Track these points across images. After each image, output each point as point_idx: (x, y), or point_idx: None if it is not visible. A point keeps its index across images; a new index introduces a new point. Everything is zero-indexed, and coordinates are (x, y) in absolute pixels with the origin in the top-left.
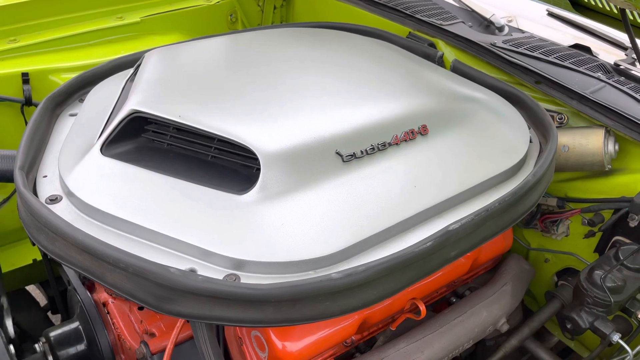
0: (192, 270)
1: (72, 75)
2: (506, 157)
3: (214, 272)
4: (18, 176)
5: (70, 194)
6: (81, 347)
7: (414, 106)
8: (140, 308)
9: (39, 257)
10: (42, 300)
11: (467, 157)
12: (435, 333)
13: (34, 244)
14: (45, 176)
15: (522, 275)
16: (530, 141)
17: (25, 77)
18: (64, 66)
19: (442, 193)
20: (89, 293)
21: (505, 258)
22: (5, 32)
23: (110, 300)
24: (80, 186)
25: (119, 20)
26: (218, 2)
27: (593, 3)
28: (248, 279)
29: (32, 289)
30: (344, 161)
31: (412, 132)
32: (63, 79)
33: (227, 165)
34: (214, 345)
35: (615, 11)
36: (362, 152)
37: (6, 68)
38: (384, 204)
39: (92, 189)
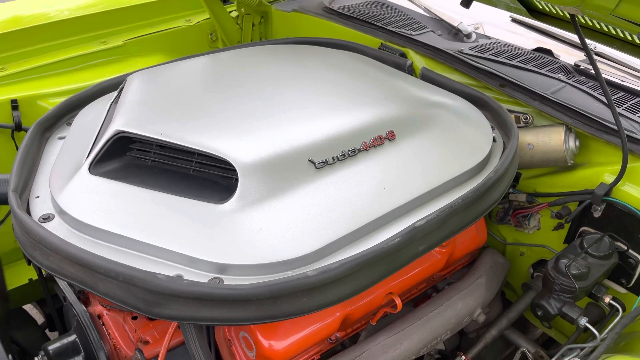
0: (179, 276)
1: (60, 100)
2: (470, 157)
3: (199, 277)
4: (12, 198)
5: (62, 212)
6: (79, 358)
7: (381, 114)
8: (134, 318)
9: (35, 277)
10: (39, 318)
11: (432, 159)
12: (413, 326)
13: (29, 263)
14: (38, 197)
15: (496, 268)
16: (495, 141)
17: (14, 104)
18: (51, 91)
19: (409, 193)
20: (84, 307)
21: (481, 252)
22: None
23: (105, 312)
24: (70, 204)
25: (103, 44)
26: (198, 22)
27: (547, 9)
28: (231, 281)
29: (29, 307)
30: (316, 168)
31: (380, 138)
32: (51, 104)
33: (208, 177)
34: (203, 347)
35: (568, 16)
36: (333, 158)
37: None
38: (355, 206)
39: (82, 206)
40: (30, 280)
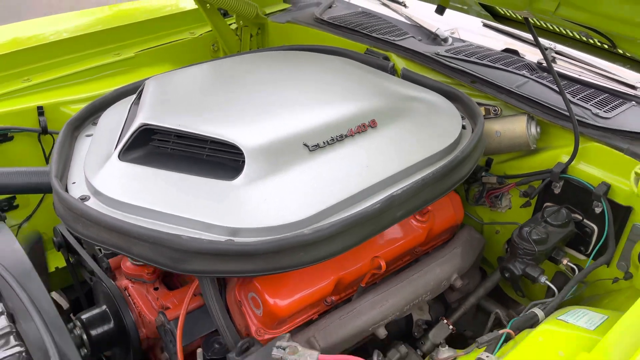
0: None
1: (80, 106)
2: (441, 140)
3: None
4: (55, 182)
5: (97, 193)
6: (109, 326)
7: (365, 106)
8: (156, 288)
9: (61, 264)
10: (64, 304)
11: (408, 142)
12: (397, 286)
13: (59, 249)
14: (74, 182)
15: (472, 242)
16: (464, 128)
17: (40, 110)
18: (72, 99)
19: (388, 170)
20: (112, 281)
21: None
22: (20, 73)
23: (130, 285)
24: (104, 186)
25: (116, 56)
26: (201, 34)
27: (508, 14)
28: (241, 241)
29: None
30: (310, 150)
31: (363, 125)
32: (73, 110)
33: (219, 160)
34: (219, 301)
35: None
36: (324, 142)
37: (23, 103)
38: (342, 181)
39: (113, 187)
40: (57, 268)
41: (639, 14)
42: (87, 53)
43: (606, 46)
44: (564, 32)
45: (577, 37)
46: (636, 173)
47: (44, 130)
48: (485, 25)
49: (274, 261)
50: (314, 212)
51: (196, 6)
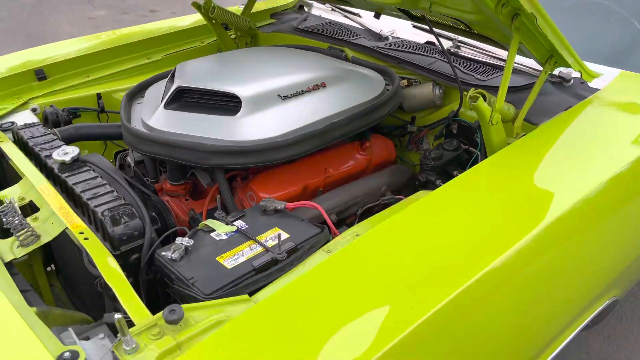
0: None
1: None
2: (369, 95)
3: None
4: (125, 122)
5: (151, 129)
6: (157, 225)
7: (318, 73)
8: (187, 199)
9: None
10: None
11: (346, 96)
12: (342, 188)
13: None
14: (134, 126)
15: (401, 169)
16: (388, 90)
17: (99, 96)
18: (119, 88)
19: (331, 110)
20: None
21: None
22: (83, 72)
23: (169, 198)
24: (156, 123)
25: (149, 59)
26: (209, 42)
27: (417, 15)
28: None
29: None
30: (282, 99)
31: (316, 85)
32: (120, 96)
33: (226, 106)
34: (229, 191)
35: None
36: (291, 95)
37: (88, 92)
38: (302, 116)
39: (161, 123)
40: None
41: (471, 9)
42: (128, 57)
43: (467, 29)
44: (445, 22)
45: (450, 24)
46: (468, 97)
47: (102, 110)
48: (414, 26)
49: (261, 156)
50: (283, 132)
51: (205, 22)
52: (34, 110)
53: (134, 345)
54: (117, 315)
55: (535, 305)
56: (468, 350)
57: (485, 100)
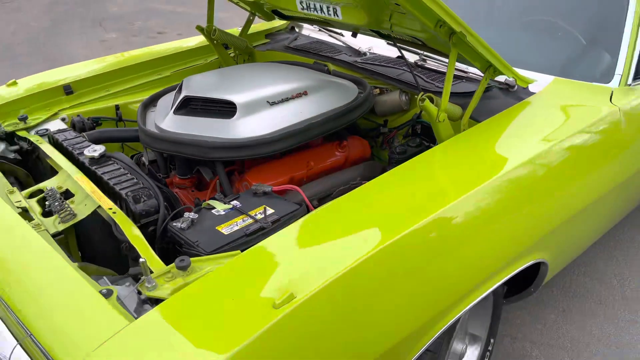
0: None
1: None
2: (344, 101)
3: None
4: (141, 125)
5: (162, 130)
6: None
7: (301, 83)
8: (193, 190)
9: None
10: None
11: (324, 101)
12: (322, 179)
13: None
14: (149, 129)
15: (374, 164)
16: (360, 97)
17: (117, 107)
18: (134, 100)
19: (312, 114)
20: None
21: None
22: (104, 87)
23: (178, 190)
24: (167, 126)
25: (159, 75)
26: (211, 60)
27: (385, 33)
28: None
29: None
30: (270, 105)
31: (299, 94)
32: (135, 107)
33: (224, 111)
34: (227, 180)
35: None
36: (278, 101)
37: (107, 103)
38: (287, 119)
39: (171, 126)
40: None
41: (420, 28)
42: (141, 74)
43: (423, 45)
44: (406, 39)
45: (410, 41)
46: (418, 100)
47: (120, 118)
48: (388, 44)
49: (252, 150)
50: (270, 130)
51: (208, 43)
52: (63, 119)
53: (153, 284)
54: (142, 259)
55: (456, 257)
56: (397, 287)
57: (432, 102)
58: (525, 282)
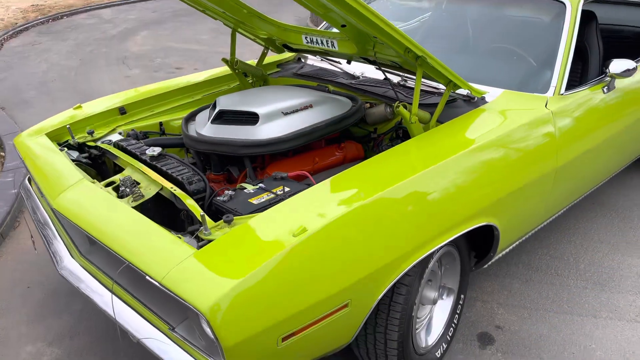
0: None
1: (178, 122)
2: (340, 111)
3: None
4: (185, 131)
5: (202, 136)
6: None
7: (306, 99)
8: (225, 184)
9: None
10: None
11: (325, 112)
12: (324, 173)
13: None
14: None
15: None
16: (352, 108)
17: (161, 124)
18: (173, 119)
19: (315, 121)
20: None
21: None
22: (149, 108)
23: (212, 184)
24: (206, 132)
25: (191, 98)
26: (233, 86)
27: (372, 59)
28: None
29: None
30: (284, 115)
31: (305, 106)
32: (175, 124)
33: (249, 120)
34: (252, 170)
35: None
36: (290, 112)
37: (153, 121)
38: (296, 124)
39: (209, 132)
40: None
41: (395, 54)
42: (178, 97)
43: (400, 67)
44: (388, 63)
45: (391, 64)
46: (395, 107)
47: (163, 133)
48: (377, 68)
49: (272, 147)
50: (284, 133)
51: (230, 72)
52: (120, 133)
53: (209, 232)
54: (202, 213)
55: (424, 210)
56: (380, 227)
57: (406, 108)
58: (487, 249)
